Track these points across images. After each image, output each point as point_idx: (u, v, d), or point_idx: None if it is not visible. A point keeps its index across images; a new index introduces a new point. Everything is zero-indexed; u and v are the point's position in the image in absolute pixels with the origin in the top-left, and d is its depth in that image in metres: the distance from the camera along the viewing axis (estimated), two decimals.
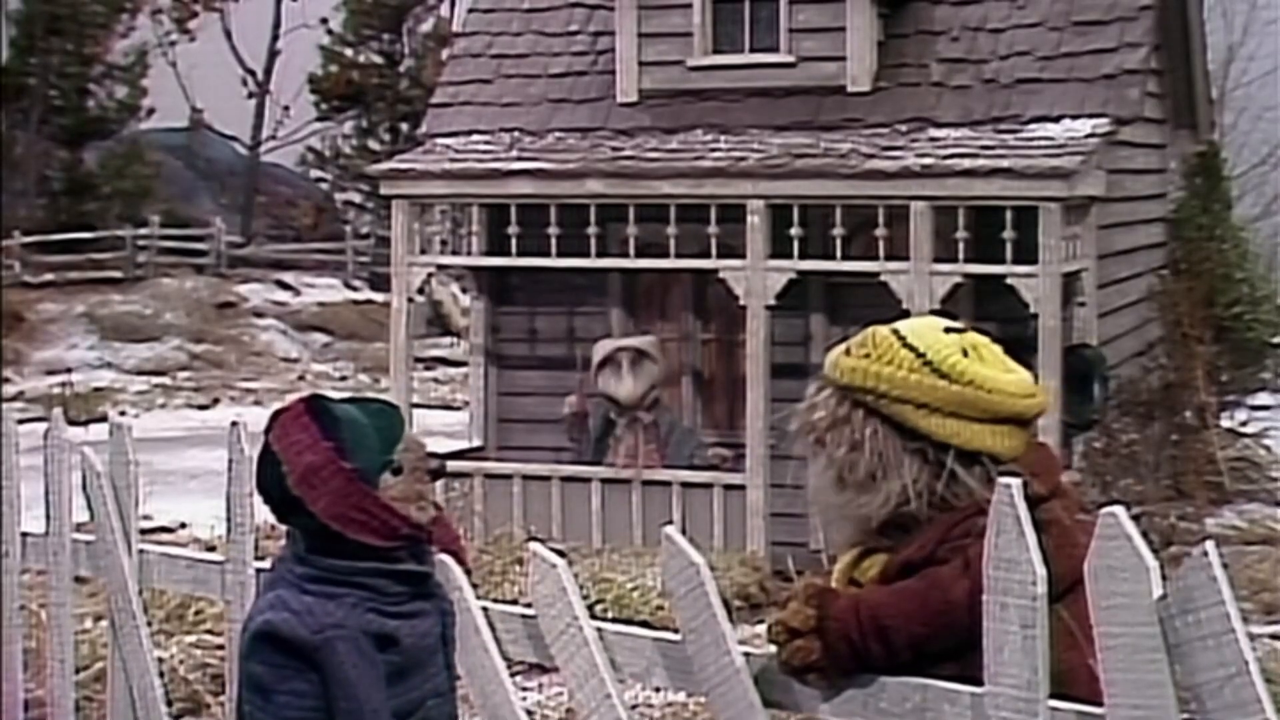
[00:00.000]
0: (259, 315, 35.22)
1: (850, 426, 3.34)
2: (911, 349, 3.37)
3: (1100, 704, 2.91)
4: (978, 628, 3.04)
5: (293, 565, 3.72)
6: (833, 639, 3.24)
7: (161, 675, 5.10)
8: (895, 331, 3.41)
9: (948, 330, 3.41)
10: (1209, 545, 2.76)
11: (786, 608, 3.32)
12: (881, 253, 12.53)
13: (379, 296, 34.99)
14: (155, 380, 29.18)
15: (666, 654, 3.62)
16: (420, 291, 14.13)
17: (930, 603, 3.18)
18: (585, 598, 3.87)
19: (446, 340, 33.62)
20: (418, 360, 15.75)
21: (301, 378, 30.16)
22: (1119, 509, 2.85)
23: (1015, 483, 3.00)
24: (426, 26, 47.28)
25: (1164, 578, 2.82)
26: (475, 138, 14.40)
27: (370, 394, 3.96)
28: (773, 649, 3.38)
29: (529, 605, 3.90)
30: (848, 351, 3.41)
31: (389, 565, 3.69)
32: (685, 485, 13.23)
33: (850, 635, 3.23)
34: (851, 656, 3.25)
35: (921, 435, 3.32)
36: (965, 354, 3.36)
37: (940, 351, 3.37)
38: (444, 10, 46.90)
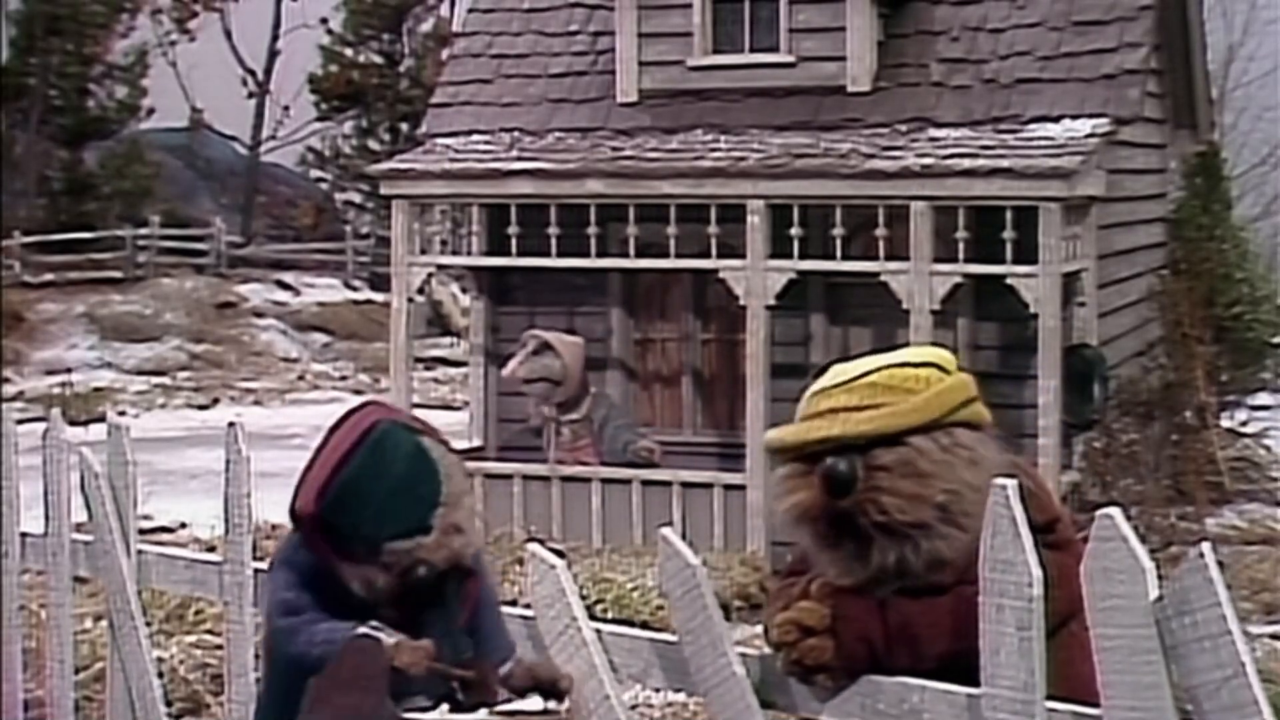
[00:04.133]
0: (259, 315, 35.16)
1: (959, 447, 3.27)
2: (918, 366, 3.37)
3: None
4: None
5: None
6: (849, 639, 3.22)
7: (161, 675, 5.10)
8: (887, 367, 3.37)
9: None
10: (1205, 547, 2.76)
11: (792, 607, 3.30)
12: (881, 253, 12.52)
13: (379, 296, 34.94)
14: (155, 380, 29.13)
15: (664, 655, 3.62)
16: (420, 291, 14.13)
17: (970, 621, 3.15)
18: (585, 598, 3.87)
19: (446, 340, 33.57)
20: (418, 360, 15.73)
21: (301, 378, 30.12)
22: (1115, 511, 2.85)
23: (1011, 484, 3.00)
24: (426, 26, 47.20)
25: (1161, 579, 2.82)
26: (475, 138, 14.40)
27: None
28: (772, 649, 3.37)
29: (528, 606, 3.90)
30: (861, 409, 3.27)
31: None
32: (685, 485, 13.23)
33: (871, 637, 3.21)
34: (868, 658, 3.22)
35: (985, 425, 3.36)
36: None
37: (929, 357, 3.41)
38: (444, 10, 46.85)
